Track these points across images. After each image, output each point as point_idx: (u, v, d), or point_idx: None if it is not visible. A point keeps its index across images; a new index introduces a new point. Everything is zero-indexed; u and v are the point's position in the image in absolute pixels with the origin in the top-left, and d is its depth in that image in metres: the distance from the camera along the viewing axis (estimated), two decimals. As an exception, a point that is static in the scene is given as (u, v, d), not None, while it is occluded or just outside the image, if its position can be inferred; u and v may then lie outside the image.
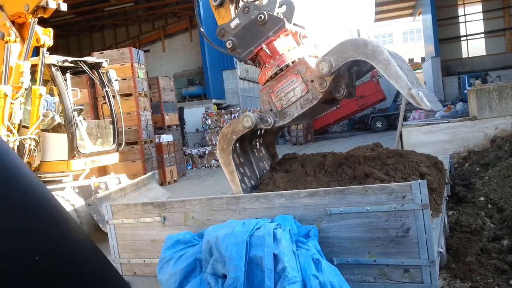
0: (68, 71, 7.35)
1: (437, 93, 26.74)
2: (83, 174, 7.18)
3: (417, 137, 8.11)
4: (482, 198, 5.01)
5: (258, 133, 4.07)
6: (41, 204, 0.72)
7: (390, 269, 2.27)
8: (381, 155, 3.72)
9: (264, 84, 3.65)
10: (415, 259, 2.20)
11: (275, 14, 3.62)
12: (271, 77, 3.58)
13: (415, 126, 8.62)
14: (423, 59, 30.48)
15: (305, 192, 2.47)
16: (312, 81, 3.37)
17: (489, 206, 4.87)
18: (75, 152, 6.68)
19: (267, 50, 3.62)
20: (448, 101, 19.67)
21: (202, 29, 4.06)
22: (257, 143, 4.20)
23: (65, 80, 7.04)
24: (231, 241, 2.02)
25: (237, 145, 3.68)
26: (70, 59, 6.97)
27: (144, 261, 3.08)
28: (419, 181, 2.17)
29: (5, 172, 0.73)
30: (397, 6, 33.61)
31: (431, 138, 8.01)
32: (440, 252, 2.50)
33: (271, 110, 3.57)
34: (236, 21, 3.68)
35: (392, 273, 2.27)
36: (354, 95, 3.83)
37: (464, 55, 30.28)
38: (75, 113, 6.91)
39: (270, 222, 2.21)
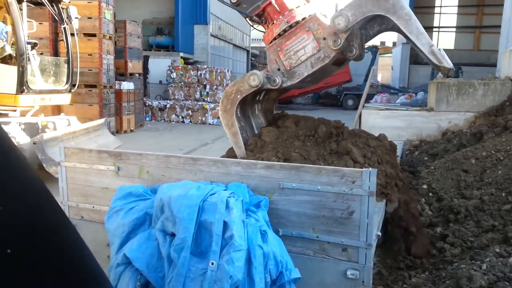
0: (25, 0, 6.86)
1: (402, 80, 27.48)
2: (32, 111, 6.87)
3: (375, 120, 8.34)
4: (425, 186, 5.29)
5: (257, 98, 3.90)
6: None
7: (330, 246, 2.40)
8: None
9: (271, 42, 3.43)
10: (355, 240, 2.34)
11: None
12: (279, 35, 3.37)
13: (375, 109, 8.86)
14: (394, 44, 30.92)
15: (262, 164, 2.53)
16: (324, 38, 3.20)
17: (430, 194, 5.15)
18: (24, 87, 6.32)
19: (276, 6, 3.42)
20: (411, 89, 20.23)
21: None
22: (256, 109, 4.01)
23: (21, 9, 6.54)
24: (184, 203, 2.07)
25: (239, 108, 3.50)
26: None
27: (93, 207, 3.06)
28: (370, 169, 2.27)
29: None
30: (378, -13, 33.54)
31: (388, 123, 8.25)
32: (378, 235, 2.66)
33: (278, 69, 3.38)
34: None
35: (331, 250, 2.40)
36: (363, 57, 3.62)
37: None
38: (29, 46, 6.48)
39: (224, 190, 2.27)
